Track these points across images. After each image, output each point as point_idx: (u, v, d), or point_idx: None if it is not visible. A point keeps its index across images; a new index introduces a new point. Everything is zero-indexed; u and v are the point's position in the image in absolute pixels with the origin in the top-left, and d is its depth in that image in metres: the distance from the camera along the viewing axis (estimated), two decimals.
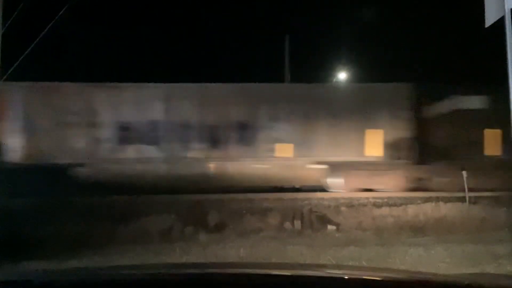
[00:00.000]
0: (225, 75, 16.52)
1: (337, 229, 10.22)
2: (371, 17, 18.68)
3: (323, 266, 4.41)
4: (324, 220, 10.68)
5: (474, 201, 11.80)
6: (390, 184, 14.24)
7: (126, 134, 14.43)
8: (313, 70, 19.22)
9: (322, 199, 12.39)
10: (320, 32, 19.91)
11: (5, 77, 8.08)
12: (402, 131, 14.57)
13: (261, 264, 4.00)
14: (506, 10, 4.09)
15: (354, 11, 18.94)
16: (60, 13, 6.73)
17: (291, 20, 19.91)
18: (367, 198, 12.42)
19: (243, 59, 17.97)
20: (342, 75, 20.75)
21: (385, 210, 11.41)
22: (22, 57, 6.90)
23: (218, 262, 5.86)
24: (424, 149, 14.37)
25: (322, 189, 14.42)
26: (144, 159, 14.33)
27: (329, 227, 10.32)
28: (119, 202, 11.52)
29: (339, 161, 14.43)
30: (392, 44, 17.91)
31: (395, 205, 11.79)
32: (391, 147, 14.60)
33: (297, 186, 14.94)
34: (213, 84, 15.04)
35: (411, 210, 11.35)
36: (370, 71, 18.66)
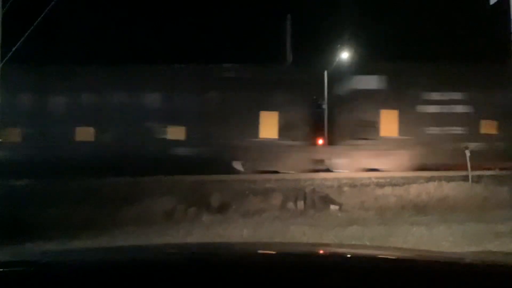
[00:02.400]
0: (226, 56, 16.38)
1: (340, 209, 10.25)
2: None
3: (326, 245, 4.43)
4: (326, 200, 10.71)
5: (476, 180, 11.82)
6: None
7: None
8: (315, 50, 19.04)
9: (325, 179, 12.41)
10: (323, 11, 19.65)
11: (5, 59, 8.05)
12: None
13: (264, 244, 4.02)
14: None
15: None
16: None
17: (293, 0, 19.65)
18: (370, 178, 12.44)
19: (244, 40, 17.81)
20: (344, 55, 20.59)
21: (387, 190, 11.42)
22: (22, 39, 6.84)
23: (221, 242, 5.89)
24: None
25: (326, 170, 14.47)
26: None
27: (332, 207, 10.34)
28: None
29: None
30: (396, 22, 17.70)
31: (397, 184, 11.80)
32: None
33: None
34: None
35: (414, 189, 11.36)
36: (373, 50, 18.50)
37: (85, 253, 2.17)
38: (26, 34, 8.54)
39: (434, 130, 14.74)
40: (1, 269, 1.53)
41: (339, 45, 18.79)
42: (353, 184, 11.84)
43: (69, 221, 8.66)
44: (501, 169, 13.13)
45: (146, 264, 1.73)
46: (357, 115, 14.83)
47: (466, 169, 12.00)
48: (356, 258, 1.81)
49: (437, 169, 13.39)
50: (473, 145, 13.69)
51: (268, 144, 14.66)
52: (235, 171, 14.18)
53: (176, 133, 14.84)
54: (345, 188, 11.48)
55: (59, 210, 9.22)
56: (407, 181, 11.84)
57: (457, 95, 15.00)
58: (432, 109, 14.91)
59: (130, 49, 17.33)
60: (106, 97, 15.01)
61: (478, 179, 11.76)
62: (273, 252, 2.07)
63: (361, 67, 15.86)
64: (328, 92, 15.99)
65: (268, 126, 14.83)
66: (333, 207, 10.33)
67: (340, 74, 16.00)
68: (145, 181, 11.81)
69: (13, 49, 8.90)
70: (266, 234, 7.83)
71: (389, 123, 14.73)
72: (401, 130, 14.74)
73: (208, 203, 10.35)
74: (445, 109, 14.87)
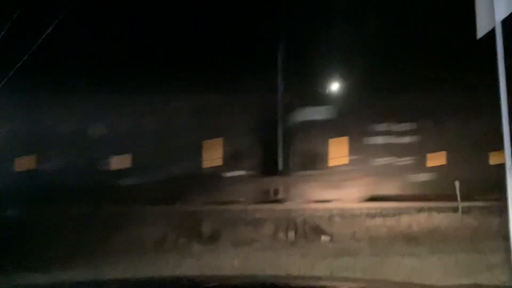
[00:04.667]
0: (218, 84, 16.44)
1: (331, 240, 10.20)
2: (366, 28, 18.80)
3: (317, 278, 4.39)
4: (317, 231, 10.67)
5: (467, 210, 11.86)
6: None
7: None
8: (306, 79, 19.22)
9: (316, 209, 12.40)
10: (314, 41, 19.95)
11: (1, 84, 8.06)
12: None
13: (255, 277, 3.98)
14: (497, 22, 4.14)
15: (348, 22, 19.02)
16: (58, 20, 6.73)
17: (285, 29, 19.94)
18: (360, 208, 12.45)
19: (236, 68, 17.96)
20: (335, 86, 20.80)
21: (378, 221, 11.42)
22: (18, 64, 6.89)
23: (212, 275, 5.83)
24: None
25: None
26: None
27: (323, 237, 10.30)
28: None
29: None
30: (386, 54, 17.97)
31: (388, 215, 11.81)
32: None
33: None
34: None
35: (405, 220, 11.37)
36: (365, 81, 18.69)
37: None
38: None
39: None
40: None
41: None
42: None
43: None
44: None
45: None
46: None
47: None
48: None
49: None
50: None
51: None
52: None
53: None
54: None
55: None
56: None
57: None
58: None
59: None
60: None
61: None
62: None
63: None
64: None
65: None
66: None
67: None
68: None
69: None
70: None
71: None
72: None
73: None
74: None
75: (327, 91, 16.45)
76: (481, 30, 4.38)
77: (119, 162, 14.57)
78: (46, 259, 7.93)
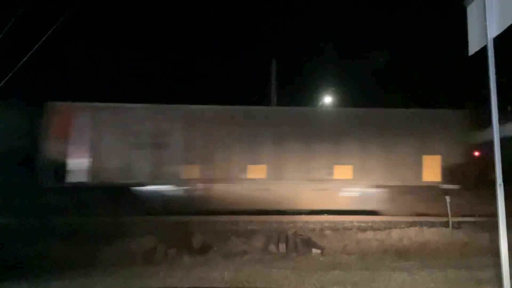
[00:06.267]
0: (213, 98, 16.56)
1: (322, 253, 10.17)
2: (357, 42, 19.00)
3: None
4: (309, 244, 10.63)
5: (457, 226, 11.90)
6: None
7: None
8: (299, 94, 19.37)
9: (307, 222, 12.38)
10: (306, 56, 20.12)
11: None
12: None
13: None
14: (489, 39, 4.20)
15: (340, 36, 19.26)
16: (48, 33, 6.75)
17: (278, 45, 20.13)
18: (352, 221, 12.44)
19: (230, 82, 18.08)
20: (328, 99, 20.95)
21: (369, 234, 11.41)
22: (9, 76, 6.88)
23: (202, 287, 5.79)
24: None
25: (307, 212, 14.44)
26: None
27: (314, 250, 10.26)
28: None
29: None
30: (379, 69, 18.18)
31: (379, 229, 11.81)
32: None
33: None
34: None
35: (395, 234, 11.37)
36: (356, 95, 18.86)
37: None
38: None
39: None
40: None
41: None
42: None
43: None
44: None
45: None
46: None
47: None
48: None
49: None
50: None
51: None
52: None
53: None
54: None
55: None
56: None
57: None
58: None
59: None
60: None
61: None
62: None
63: None
64: None
65: None
66: None
67: None
68: None
69: None
70: None
71: None
72: None
73: None
74: None
75: None
76: (473, 47, 4.45)
77: None
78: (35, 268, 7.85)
